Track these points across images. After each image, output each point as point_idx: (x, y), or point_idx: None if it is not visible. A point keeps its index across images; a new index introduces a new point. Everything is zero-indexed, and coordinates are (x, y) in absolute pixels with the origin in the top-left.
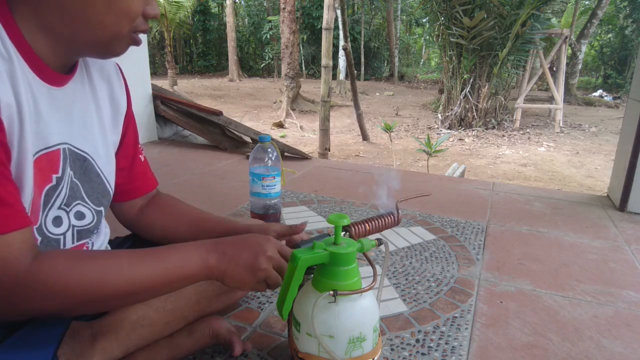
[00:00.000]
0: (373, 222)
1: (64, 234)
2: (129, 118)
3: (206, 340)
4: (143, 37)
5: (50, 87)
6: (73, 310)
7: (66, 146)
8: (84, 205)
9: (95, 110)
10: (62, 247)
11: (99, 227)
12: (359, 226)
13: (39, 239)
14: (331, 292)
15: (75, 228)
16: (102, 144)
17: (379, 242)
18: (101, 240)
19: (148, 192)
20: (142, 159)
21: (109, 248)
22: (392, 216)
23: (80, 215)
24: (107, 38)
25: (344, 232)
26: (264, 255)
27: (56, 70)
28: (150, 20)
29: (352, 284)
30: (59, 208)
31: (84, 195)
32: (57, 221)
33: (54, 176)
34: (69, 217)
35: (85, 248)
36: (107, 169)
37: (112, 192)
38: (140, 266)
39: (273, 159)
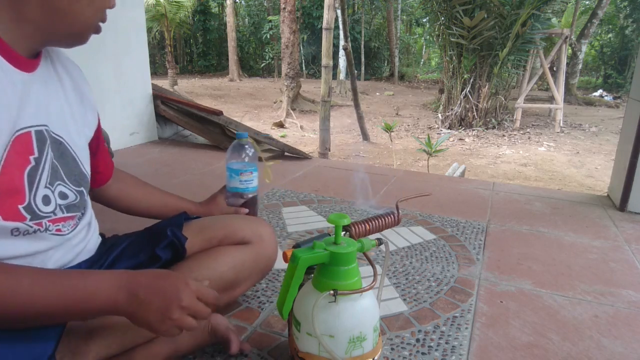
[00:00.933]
0: (373, 222)
1: (53, 211)
2: (98, 118)
3: (205, 337)
4: (143, 36)
5: (22, 73)
6: None
7: (43, 128)
8: (64, 186)
9: (64, 98)
10: (53, 222)
11: (85, 205)
12: (359, 226)
13: (28, 217)
14: (331, 292)
15: (62, 206)
16: (74, 130)
17: (379, 241)
18: (91, 230)
19: (112, 173)
20: (104, 148)
21: (100, 240)
22: (392, 216)
23: (63, 195)
24: (81, 29)
25: (344, 232)
26: (177, 306)
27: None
28: (151, 20)
29: (352, 284)
30: (45, 187)
31: (64, 176)
32: (46, 200)
33: (31, 157)
34: (54, 196)
35: (76, 221)
36: (82, 154)
37: (88, 177)
38: (42, 289)
39: (250, 155)
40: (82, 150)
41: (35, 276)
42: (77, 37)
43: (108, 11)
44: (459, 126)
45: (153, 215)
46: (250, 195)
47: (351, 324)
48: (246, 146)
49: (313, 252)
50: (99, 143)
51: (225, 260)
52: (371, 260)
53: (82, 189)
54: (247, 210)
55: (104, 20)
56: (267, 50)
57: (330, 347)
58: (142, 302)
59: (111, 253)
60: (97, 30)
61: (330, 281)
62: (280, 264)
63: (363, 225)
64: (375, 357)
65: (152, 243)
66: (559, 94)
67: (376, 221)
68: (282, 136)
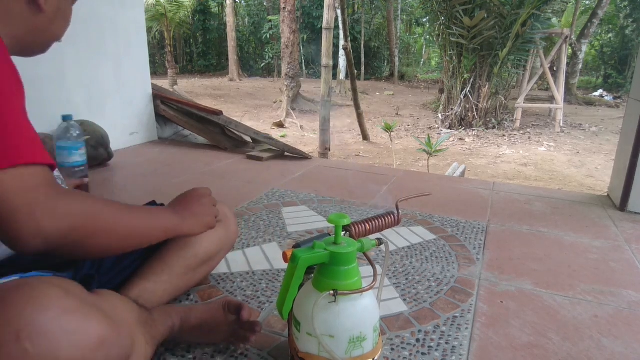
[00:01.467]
0: (373, 222)
1: None
2: None
3: (218, 309)
4: (143, 36)
5: None
6: (71, 239)
7: None
8: None
9: None
10: None
11: None
12: (359, 226)
13: None
14: (331, 292)
15: None
16: None
17: (379, 241)
18: None
19: None
20: None
21: None
22: (392, 216)
23: None
24: (51, 43)
25: (344, 232)
26: (208, 207)
27: None
28: (151, 20)
29: (352, 284)
30: None
31: None
32: None
33: None
34: None
35: None
36: None
37: None
38: (131, 214)
39: (75, 135)
40: None
41: (115, 206)
42: (45, 49)
43: (108, 11)
44: (459, 126)
45: None
46: (79, 169)
47: (351, 324)
48: (72, 128)
49: (313, 252)
50: None
51: (211, 237)
52: (371, 260)
53: None
54: (86, 181)
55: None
56: (267, 50)
57: (330, 347)
58: (185, 207)
59: None
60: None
61: (330, 281)
62: (281, 264)
63: (363, 225)
64: (375, 357)
65: None
66: (559, 93)
67: (376, 221)
68: (282, 136)
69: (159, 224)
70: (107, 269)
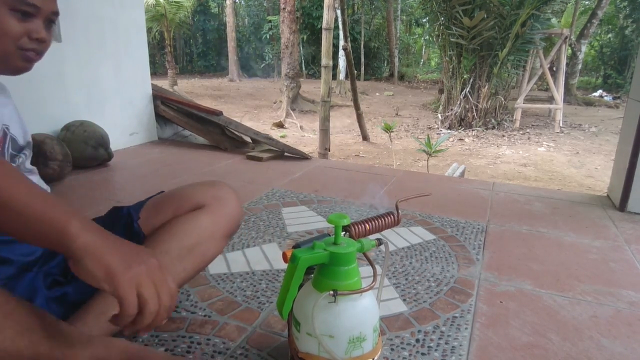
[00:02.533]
0: (373, 222)
1: None
2: None
3: None
4: (143, 36)
5: None
6: None
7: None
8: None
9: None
10: None
11: None
12: (359, 226)
13: None
14: (331, 292)
15: None
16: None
17: (379, 242)
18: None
19: None
20: None
21: None
22: (392, 216)
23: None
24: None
25: (344, 232)
26: (144, 265)
27: None
28: (150, 20)
29: (352, 284)
30: None
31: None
32: None
33: None
34: None
35: None
36: None
37: None
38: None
39: None
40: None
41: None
42: (2, 63)
43: (108, 11)
44: (459, 126)
45: None
46: None
47: (351, 324)
48: None
49: (313, 252)
50: None
51: (177, 229)
52: (371, 260)
53: None
54: None
55: (27, 48)
56: (267, 50)
57: (330, 347)
58: (106, 244)
59: None
60: (24, 57)
61: (330, 281)
62: (280, 264)
63: (363, 226)
64: (375, 358)
65: (112, 224)
66: (558, 94)
67: (376, 221)
68: (281, 136)
69: (50, 217)
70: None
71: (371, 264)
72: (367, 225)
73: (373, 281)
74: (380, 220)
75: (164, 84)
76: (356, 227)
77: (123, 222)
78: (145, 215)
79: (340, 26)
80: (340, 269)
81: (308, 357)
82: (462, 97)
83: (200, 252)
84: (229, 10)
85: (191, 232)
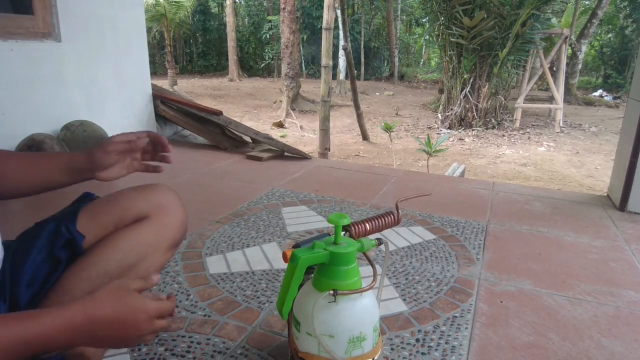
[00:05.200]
0: (373, 222)
1: None
2: None
3: None
4: (143, 36)
5: None
6: None
7: None
8: None
9: None
10: None
11: None
12: (359, 226)
13: None
14: (331, 292)
15: None
16: None
17: (379, 241)
18: None
19: None
20: None
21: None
22: (392, 215)
23: None
24: None
25: (344, 232)
26: (138, 337)
27: None
28: (150, 20)
29: (352, 284)
30: None
31: None
32: None
33: None
34: None
35: None
36: None
37: None
38: None
39: None
40: None
41: None
42: None
43: (108, 11)
44: (459, 126)
45: (38, 186)
46: None
47: (351, 324)
48: None
49: (313, 252)
50: None
51: (119, 246)
52: (371, 260)
53: None
54: None
55: None
56: (267, 50)
57: (330, 347)
58: (101, 339)
59: (7, 257)
60: None
61: (330, 281)
62: (280, 264)
63: (363, 225)
64: (375, 357)
65: (49, 241)
66: (558, 94)
67: (376, 221)
68: (281, 136)
69: (40, 345)
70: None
71: (371, 263)
72: (367, 225)
73: (373, 281)
74: (380, 220)
75: (164, 83)
76: (356, 227)
77: (65, 239)
78: (83, 228)
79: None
80: (340, 269)
81: (308, 356)
82: (462, 97)
83: (143, 268)
84: (229, 10)
85: (134, 249)
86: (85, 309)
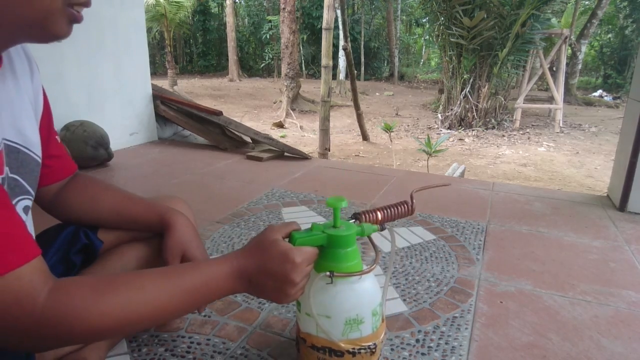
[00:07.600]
0: (386, 211)
1: None
2: (45, 106)
3: None
4: (143, 36)
5: None
6: (92, 342)
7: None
8: (29, 199)
9: (21, 99)
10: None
11: None
12: (370, 214)
13: None
14: (327, 273)
15: (27, 221)
16: (31, 131)
17: (381, 227)
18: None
19: (67, 175)
20: (59, 141)
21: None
22: (405, 205)
23: (28, 210)
24: (39, 15)
25: (354, 220)
26: (291, 285)
27: None
28: (150, 20)
29: (350, 267)
30: None
31: (29, 188)
32: None
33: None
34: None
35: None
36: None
37: None
38: (167, 293)
39: None
40: (39, 147)
41: (157, 282)
42: (40, 27)
43: (108, 11)
44: (459, 126)
45: (106, 223)
46: None
47: (347, 306)
48: None
49: (310, 233)
50: (49, 126)
51: (129, 258)
52: (374, 243)
53: None
54: None
55: (77, 2)
56: (267, 50)
57: (327, 327)
58: (257, 285)
59: None
60: (72, 16)
61: (328, 263)
62: None
63: (374, 214)
64: (376, 342)
65: (66, 244)
66: (558, 94)
67: (389, 210)
68: (281, 136)
69: (217, 295)
70: None
71: (374, 247)
72: (380, 214)
73: (373, 264)
74: (393, 209)
75: (164, 84)
76: (367, 215)
77: (82, 245)
78: (102, 235)
79: (340, 26)
80: (339, 251)
81: (308, 337)
82: (462, 97)
83: None
84: (229, 10)
85: (138, 265)
86: (242, 259)
